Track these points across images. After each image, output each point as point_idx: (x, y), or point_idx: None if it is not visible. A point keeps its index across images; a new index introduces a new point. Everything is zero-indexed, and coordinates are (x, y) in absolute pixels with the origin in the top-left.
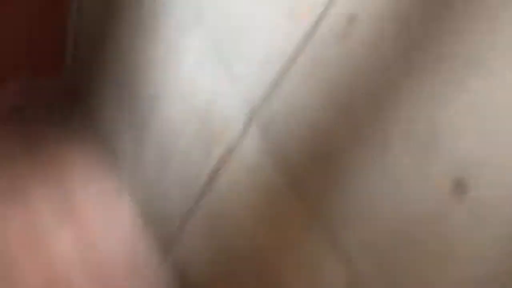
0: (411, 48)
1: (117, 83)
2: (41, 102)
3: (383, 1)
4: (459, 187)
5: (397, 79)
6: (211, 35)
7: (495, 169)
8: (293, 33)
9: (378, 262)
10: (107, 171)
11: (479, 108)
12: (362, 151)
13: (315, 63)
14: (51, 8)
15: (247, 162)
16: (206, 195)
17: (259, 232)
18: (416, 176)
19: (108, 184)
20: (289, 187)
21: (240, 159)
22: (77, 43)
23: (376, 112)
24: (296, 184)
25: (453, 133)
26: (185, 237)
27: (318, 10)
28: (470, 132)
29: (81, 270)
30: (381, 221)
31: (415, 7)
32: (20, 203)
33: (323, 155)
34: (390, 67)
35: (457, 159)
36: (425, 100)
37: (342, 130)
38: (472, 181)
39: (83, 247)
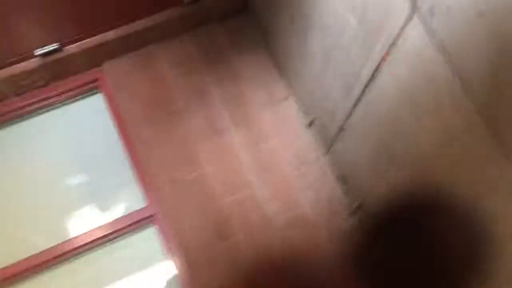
0: None
1: None
2: (215, 15)
3: None
4: None
5: None
6: None
7: None
8: None
9: None
10: (275, 77)
11: None
12: None
13: None
14: None
15: (410, 56)
16: (367, 93)
17: (421, 134)
18: None
19: (275, 88)
20: (462, 89)
21: (403, 52)
22: None
23: None
24: (469, 85)
25: None
26: (345, 134)
27: None
28: None
29: (254, 165)
30: None
31: None
32: (201, 100)
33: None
34: None
35: None
36: None
37: None
38: None
39: (255, 144)
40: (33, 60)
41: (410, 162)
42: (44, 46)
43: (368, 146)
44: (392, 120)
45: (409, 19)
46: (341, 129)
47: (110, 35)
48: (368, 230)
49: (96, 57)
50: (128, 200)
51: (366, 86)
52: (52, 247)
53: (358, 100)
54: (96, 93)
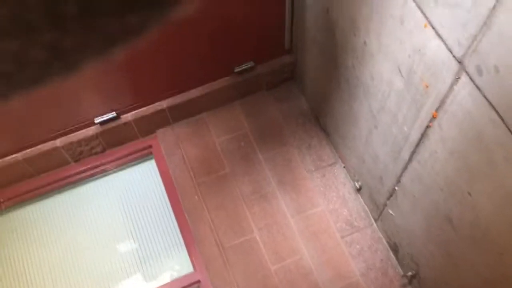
0: None
1: (322, 54)
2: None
3: None
4: None
5: None
6: None
7: None
8: None
9: None
10: (322, 143)
11: None
12: None
13: None
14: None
15: (459, 116)
16: (416, 156)
17: (477, 196)
18: None
19: (323, 153)
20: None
21: (451, 113)
22: (292, 31)
23: None
24: None
25: None
26: (396, 199)
27: None
28: None
29: (302, 231)
30: None
31: None
32: (249, 166)
33: None
34: None
35: None
36: None
37: None
38: None
39: (303, 210)
40: (92, 128)
41: (465, 225)
42: (103, 115)
43: (419, 211)
44: (444, 183)
45: (456, 79)
46: (391, 194)
47: (164, 104)
48: None
49: (150, 125)
50: (176, 266)
51: (415, 149)
52: None
53: (408, 162)
54: (149, 159)
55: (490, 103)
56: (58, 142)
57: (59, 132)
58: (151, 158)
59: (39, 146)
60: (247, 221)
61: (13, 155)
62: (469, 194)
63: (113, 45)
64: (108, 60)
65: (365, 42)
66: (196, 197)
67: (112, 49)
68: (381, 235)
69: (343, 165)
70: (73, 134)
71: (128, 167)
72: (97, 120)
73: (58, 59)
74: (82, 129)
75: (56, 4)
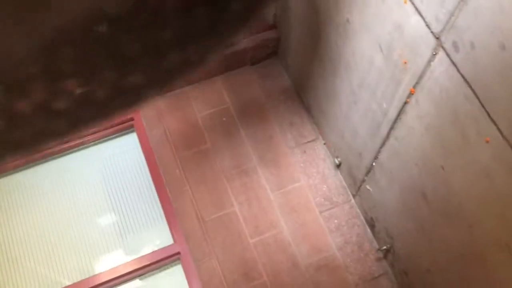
0: None
1: (306, 31)
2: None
3: None
4: None
5: None
6: None
7: None
8: None
9: None
10: (304, 119)
11: None
12: None
13: None
14: None
15: (436, 92)
16: (394, 131)
17: (450, 170)
18: None
19: (304, 129)
20: (489, 119)
21: (428, 88)
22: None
23: None
24: (495, 114)
25: None
26: (374, 175)
27: None
28: None
29: (281, 205)
30: None
31: None
32: (230, 141)
33: None
34: None
35: None
36: None
37: None
38: None
39: (283, 185)
40: None
41: (440, 200)
42: None
43: (396, 186)
44: (419, 158)
45: (434, 55)
46: (369, 169)
47: None
48: (397, 275)
49: None
50: (156, 239)
51: (393, 125)
52: (79, 281)
53: (386, 138)
54: (131, 131)
55: (465, 79)
56: None
57: None
58: (133, 131)
59: None
60: (227, 195)
61: None
62: (443, 168)
63: (176, 77)
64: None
65: (347, 20)
66: (177, 171)
67: (174, 81)
68: (358, 210)
69: (323, 141)
70: None
71: (109, 139)
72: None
73: (120, 96)
74: None
75: (120, 43)
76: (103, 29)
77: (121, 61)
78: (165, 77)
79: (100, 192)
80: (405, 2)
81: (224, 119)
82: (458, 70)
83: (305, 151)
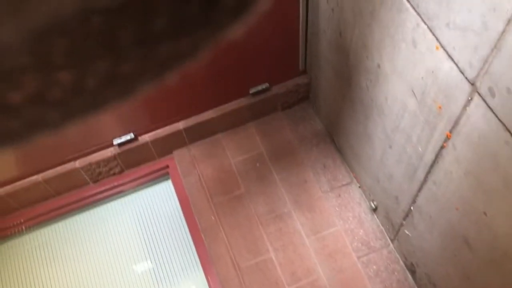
0: None
1: (337, 76)
2: (279, 104)
3: None
4: None
5: None
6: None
7: None
8: None
9: None
10: (337, 163)
11: None
12: None
13: None
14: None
15: (473, 136)
16: (431, 176)
17: (494, 215)
18: None
19: (338, 173)
20: None
21: (465, 133)
22: (306, 53)
23: None
24: None
25: None
26: (412, 219)
27: None
28: None
29: (318, 251)
30: None
31: None
32: (264, 186)
33: None
34: None
35: None
36: None
37: None
38: None
39: (319, 230)
40: (110, 149)
41: (485, 247)
42: (121, 136)
43: (436, 231)
44: (459, 203)
45: (469, 100)
46: (407, 214)
47: (180, 125)
48: None
49: (167, 146)
50: (192, 286)
51: (430, 169)
52: None
53: (423, 182)
54: (166, 179)
55: (504, 124)
56: (77, 163)
57: (78, 154)
58: (168, 179)
59: (58, 168)
60: (262, 241)
61: (34, 176)
62: (485, 214)
63: (169, 69)
64: (161, 84)
65: (378, 65)
66: (212, 217)
67: (167, 73)
68: (397, 256)
69: (358, 184)
70: (92, 155)
71: (146, 187)
72: (116, 141)
73: (113, 86)
74: (100, 150)
75: (112, 34)
76: (96, 18)
77: (114, 50)
78: (157, 68)
79: (136, 239)
80: (437, 49)
81: (257, 164)
82: (495, 115)
83: (339, 195)
